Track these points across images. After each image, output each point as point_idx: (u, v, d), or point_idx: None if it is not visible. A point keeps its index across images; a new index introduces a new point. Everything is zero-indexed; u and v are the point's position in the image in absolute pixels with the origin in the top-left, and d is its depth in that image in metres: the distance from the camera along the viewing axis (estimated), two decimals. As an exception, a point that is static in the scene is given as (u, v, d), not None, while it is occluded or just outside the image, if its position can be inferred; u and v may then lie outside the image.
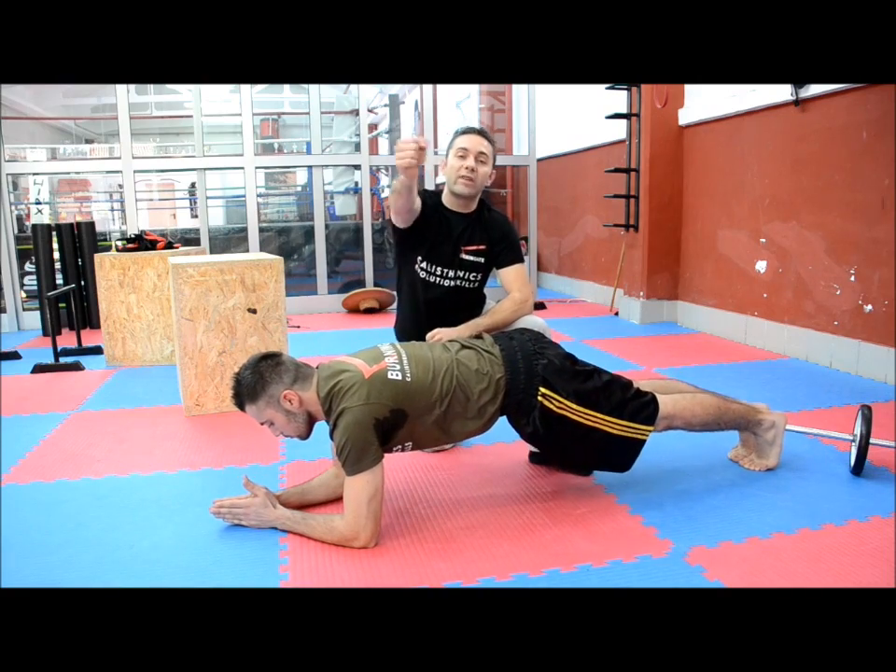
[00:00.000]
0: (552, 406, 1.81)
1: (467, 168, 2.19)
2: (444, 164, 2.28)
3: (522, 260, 2.32)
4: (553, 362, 1.85)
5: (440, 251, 2.27)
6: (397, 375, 1.75)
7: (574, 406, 1.81)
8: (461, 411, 1.81)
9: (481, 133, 2.26)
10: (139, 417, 2.83)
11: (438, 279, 2.29)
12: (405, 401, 1.74)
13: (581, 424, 1.82)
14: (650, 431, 1.88)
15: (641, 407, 1.87)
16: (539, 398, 1.81)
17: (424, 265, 2.28)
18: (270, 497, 1.81)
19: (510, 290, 2.27)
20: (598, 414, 1.82)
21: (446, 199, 2.31)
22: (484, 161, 2.22)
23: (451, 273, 2.28)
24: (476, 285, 2.34)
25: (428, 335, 2.14)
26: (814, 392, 2.92)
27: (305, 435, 1.82)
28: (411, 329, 2.31)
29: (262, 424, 1.81)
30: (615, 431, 1.84)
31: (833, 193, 3.29)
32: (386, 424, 1.71)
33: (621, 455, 1.89)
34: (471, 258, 2.28)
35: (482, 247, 2.28)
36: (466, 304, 2.33)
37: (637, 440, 1.87)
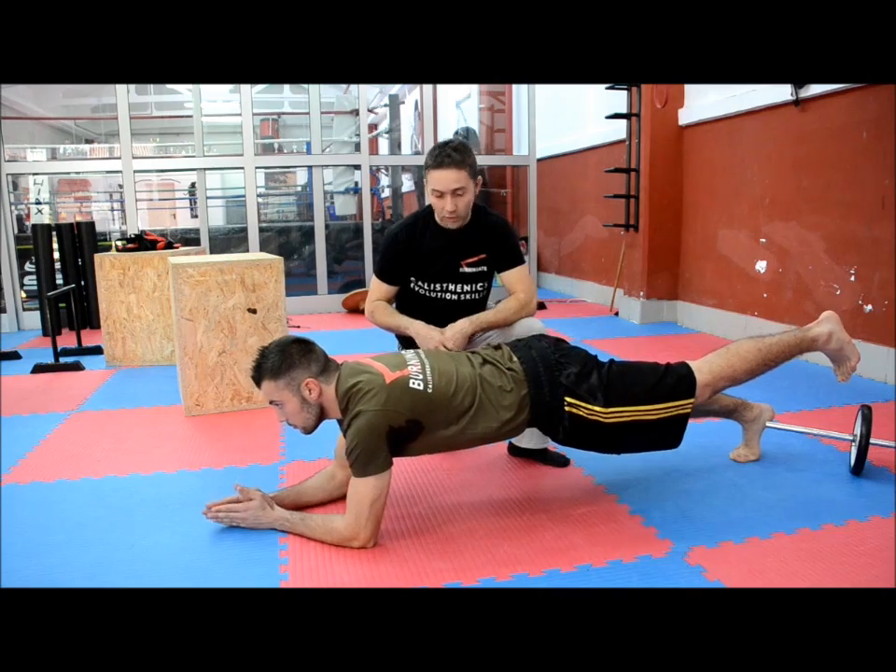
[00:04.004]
0: (581, 413, 1.76)
1: (447, 210, 2.11)
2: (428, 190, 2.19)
3: (523, 261, 2.29)
4: (575, 371, 1.79)
5: (435, 270, 2.23)
6: (418, 385, 1.71)
7: (604, 410, 1.75)
8: (483, 428, 1.76)
9: (451, 161, 2.06)
10: (139, 417, 2.83)
11: (439, 294, 2.26)
12: (423, 413, 1.70)
13: (615, 424, 1.76)
14: (691, 403, 1.81)
15: (677, 382, 1.81)
16: (567, 408, 1.76)
17: (421, 283, 2.26)
18: (266, 500, 1.79)
19: (513, 292, 2.24)
20: (631, 408, 1.77)
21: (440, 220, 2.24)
22: (462, 192, 2.11)
23: (452, 287, 2.25)
24: (481, 295, 2.30)
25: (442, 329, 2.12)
26: (814, 392, 2.92)
27: (311, 429, 1.78)
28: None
29: (271, 403, 1.76)
30: (654, 417, 1.78)
31: (832, 193, 3.29)
32: (401, 433, 1.68)
33: (666, 435, 1.83)
34: (473, 269, 2.25)
35: (482, 256, 2.25)
36: (469, 314, 2.29)
37: (681, 415, 1.80)
